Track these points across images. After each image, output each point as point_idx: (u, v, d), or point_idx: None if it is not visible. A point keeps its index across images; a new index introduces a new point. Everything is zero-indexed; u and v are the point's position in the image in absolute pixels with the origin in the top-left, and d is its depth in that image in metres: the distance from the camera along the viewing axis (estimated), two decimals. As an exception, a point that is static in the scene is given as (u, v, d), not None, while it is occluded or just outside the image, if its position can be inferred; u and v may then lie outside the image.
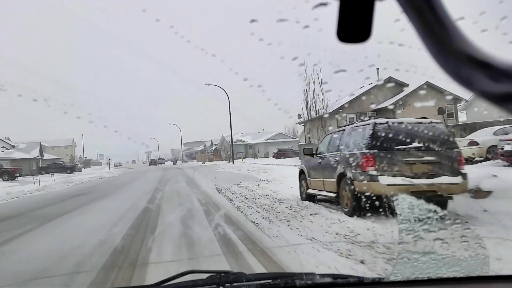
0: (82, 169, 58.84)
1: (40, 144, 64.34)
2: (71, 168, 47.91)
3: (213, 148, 79.54)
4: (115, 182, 22.80)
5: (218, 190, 12.59)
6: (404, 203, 2.06)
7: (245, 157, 56.40)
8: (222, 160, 63.95)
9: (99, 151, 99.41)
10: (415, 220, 2.00)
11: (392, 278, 1.69)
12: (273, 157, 46.16)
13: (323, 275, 1.58)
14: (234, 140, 59.70)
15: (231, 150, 57.64)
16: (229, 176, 20.59)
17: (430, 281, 1.60)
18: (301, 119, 35.49)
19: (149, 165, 67.28)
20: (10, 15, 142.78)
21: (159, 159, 79.27)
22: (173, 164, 68.83)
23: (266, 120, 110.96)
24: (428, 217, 2.01)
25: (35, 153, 61.22)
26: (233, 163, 35.03)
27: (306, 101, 28.94)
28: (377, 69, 31.92)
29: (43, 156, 65.05)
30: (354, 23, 0.48)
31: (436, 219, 2.03)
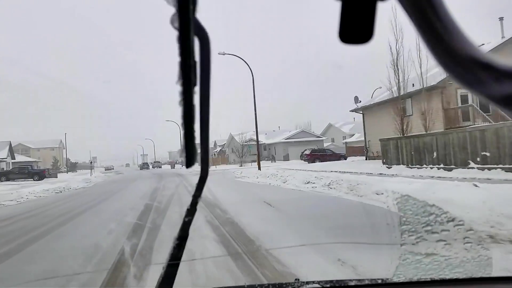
0: (60, 175, 48.05)
1: (10, 143, 53.12)
2: (39, 174, 37.03)
3: (218, 149, 68.72)
4: (60, 209, 12.09)
5: None
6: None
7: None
8: (229, 163, 53.25)
9: (93, 154, 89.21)
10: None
11: (395, 279, 1.60)
12: (304, 160, 35.37)
13: (320, 282, 1.47)
14: (245, 140, 49.04)
15: (247, 151, 47.15)
16: (292, 198, 9.96)
17: (432, 282, 1.54)
18: (359, 104, 24.87)
19: (140, 169, 57.26)
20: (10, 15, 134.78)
21: (155, 162, 70.06)
22: (171, 168, 57.20)
23: (268, 120, 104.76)
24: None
25: (3, 154, 50.32)
26: (259, 169, 24.33)
27: (396, 66, 18.20)
28: (501, 18, 21.34)
29: (14, 158, 54.08)
30: (356, 24, 0.48)
31: None
